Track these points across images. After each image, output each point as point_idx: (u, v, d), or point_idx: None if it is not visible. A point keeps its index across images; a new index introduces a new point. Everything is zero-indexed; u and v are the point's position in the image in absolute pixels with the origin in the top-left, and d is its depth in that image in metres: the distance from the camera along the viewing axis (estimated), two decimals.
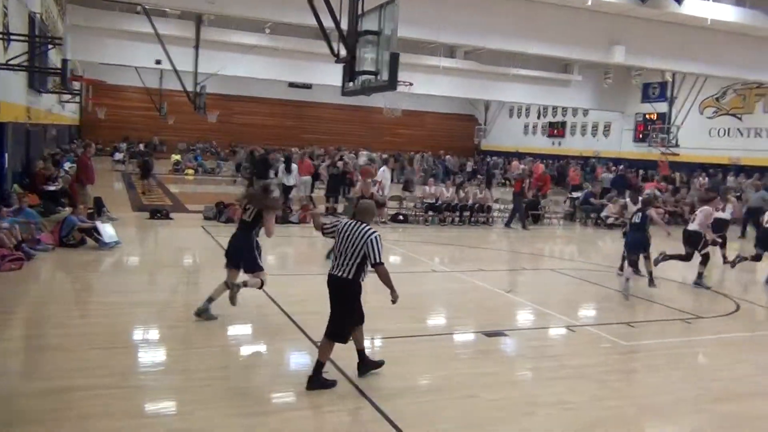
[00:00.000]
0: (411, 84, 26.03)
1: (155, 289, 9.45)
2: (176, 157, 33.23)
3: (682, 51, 20.17)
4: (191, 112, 26.17)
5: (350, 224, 5.76)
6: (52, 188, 15.70)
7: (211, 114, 30.23)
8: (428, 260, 12.74)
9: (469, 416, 5.37)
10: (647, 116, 36.48)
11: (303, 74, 29.72)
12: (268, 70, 28.96)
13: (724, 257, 13.61)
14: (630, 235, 10.68)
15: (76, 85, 23.33)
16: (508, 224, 18.42)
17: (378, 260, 5.54)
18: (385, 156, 25.76)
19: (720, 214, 13.37)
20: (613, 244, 17.11)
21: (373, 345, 6.99)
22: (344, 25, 8.81)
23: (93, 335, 6.83)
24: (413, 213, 18.58)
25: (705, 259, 11.44)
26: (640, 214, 10.44)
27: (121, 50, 25.97)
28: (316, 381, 5.68)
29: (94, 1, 23.86)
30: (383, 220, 17.21)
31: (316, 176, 21.22)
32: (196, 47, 24.12)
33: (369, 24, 8.74)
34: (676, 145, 33.47)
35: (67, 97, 23.40)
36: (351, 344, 5.96)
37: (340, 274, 5.67)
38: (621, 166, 30.76)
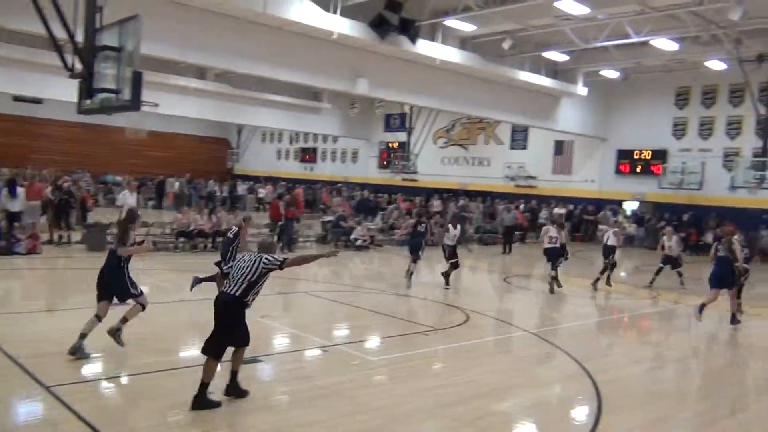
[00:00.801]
0: (157, 104, 24.78)
1: None
2: None
3: (417, 86, 22.16)
4: None
5: (248, 256, 6.42)
6: None
7: None
8: (179, 289, 12.19)
9: None
10: (390, 144, 39.40)
11: (31, 87, 26.61)
12: None
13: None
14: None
15: None
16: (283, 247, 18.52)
17: (280, 264, 6.31)
18: (128, 179, 24.15)
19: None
20: (362, 264, 18.09)
21: (119, 382, 6.45)
22: (80, 38, 8.13)
23: None
24: (162, 240, 17.66)
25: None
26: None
27: None
28: (201, 401, 5.94)
29: None
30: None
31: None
32: None
33: (109, 39, 8.20)
34: (415, 172, 36.61)
35: None
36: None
37: (231, 291, 6.17)
38: (364, 191, 32.70)
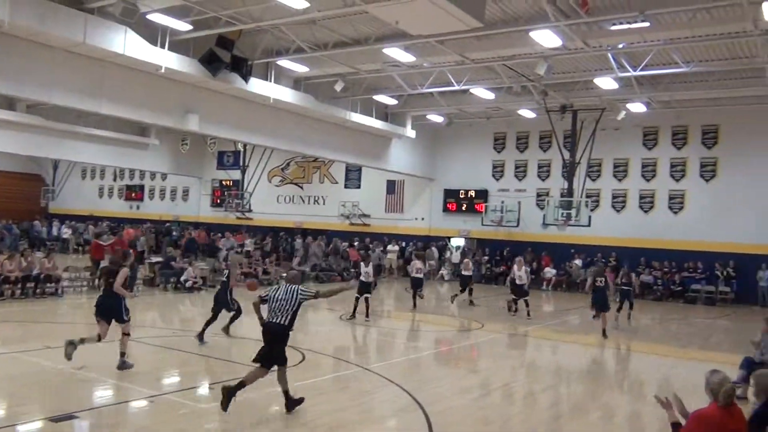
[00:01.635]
0: None
1: None
2: None
3: (250, 124, 22.01)
4: None
5: (283, 287, 7.81)
6: None
7: None
8: None
9: None
10: (223, 182, 38.52)
11: None
12: None
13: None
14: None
15: None
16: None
17: (315, 295, 7.88)
18: None
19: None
20: (193, 307, 17.34)
21: None
22: None
23: None
24: None
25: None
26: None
27: None
28: (292, 400, 7.65)
29: None
30: None
31: None
32: None
33: None
34: (250, 210, 36.05)
35: None
36: None
37: (277, 320, 7.55)
38: (196, 231, 31.56)
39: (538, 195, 28.47)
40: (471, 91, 23.15)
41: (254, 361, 7.59)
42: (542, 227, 25.94)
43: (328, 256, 28.00)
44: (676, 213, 25.69)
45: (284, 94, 21.39)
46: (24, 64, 15.38)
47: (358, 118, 24.66)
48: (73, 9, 15.17)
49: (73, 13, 15.10)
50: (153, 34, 17.01)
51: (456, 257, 29.04)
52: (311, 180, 36.04)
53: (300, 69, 20.83)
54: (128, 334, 9.52)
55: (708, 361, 13.43)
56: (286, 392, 7.70)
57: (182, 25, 16.90)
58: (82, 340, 9.29)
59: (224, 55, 18.34)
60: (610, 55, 18.20)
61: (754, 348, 10.43)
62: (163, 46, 17.22)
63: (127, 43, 16.17)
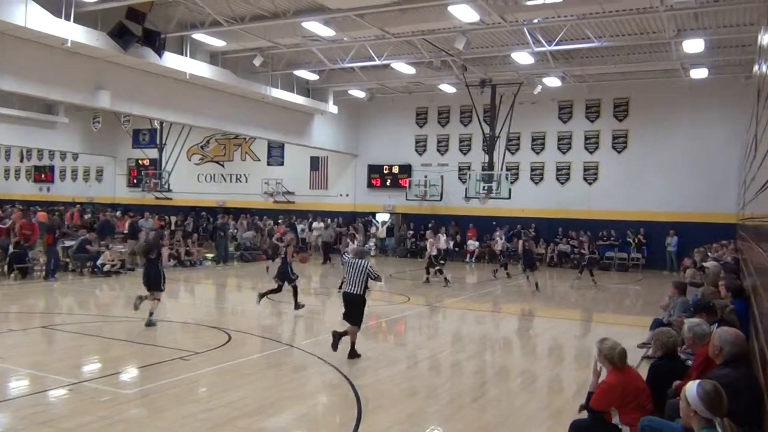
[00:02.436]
0: None
1: None
2: None
3: (166, 101, 21.28)
4: None
5: (352, 262, 9.70)
6: None
7: None
8: None
9: None
10: (140, 162, 37.20)
11: None
12: None
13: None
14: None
15: None
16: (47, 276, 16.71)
17: (377, 276, 9.87)
18: None
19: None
20: (111, 291, 16.77)
21: None
22: None
23: None
24: None
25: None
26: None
27: None
28: (354, 353, 9.59)
29: None
30: None
31: None
32: None
33: None
34: (169, 190, 35.01)
35: None
36: None
37: (352, 290, 9.61)
38: (116, 212, 30.39)
39: (460, 169, 28.97)
40: (392, 65, 23.19)
41: (344, 318, 9.83)
42: (465, 201, 26.49)
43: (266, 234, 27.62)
44: (590, 184, 26.76)
45: (201, 69, 20.77)
46: None
47: (278, 93, 24.27)
48: None
49: None
50: (57, 5, 16.06)
51: (382, 233, 29.27)
52: (232, 158, 35.32)
53: (217, 43, 20.25)
54: (158, 300, 11.84)
55: (621, 325, 14.22)
56: (353, 343, 9.70)
57: None
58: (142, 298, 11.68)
59: (135, 29, 17.59)
60: (526, 30, 18.60)
61: (663, 310, 11.11)
62: (68, 19, 16.30)
63: (28, 15, 15.21)
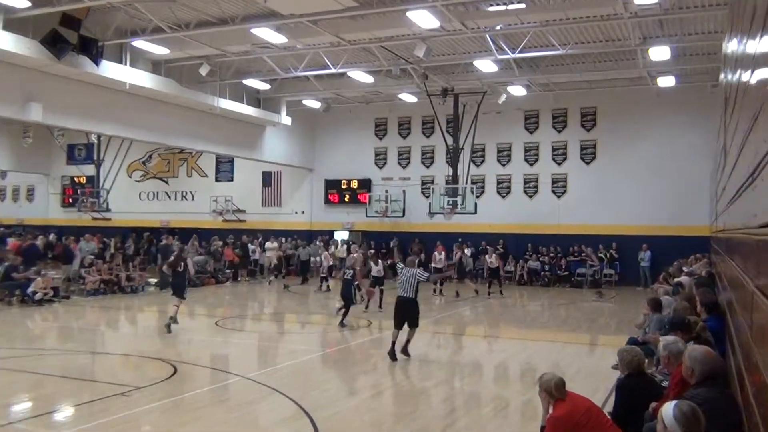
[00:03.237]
0: None
1: None
2: None
3: (104, 113, 20.90)
4: None
5: (406, 270, 11.78)
6: None
7: None
8: None
9: None
10: (75, 179, 36.40)
11: None
12: None
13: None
14: None
15: None
16: None
17: (427, 278, 12.21)
18: None
19: None
20: (44, 322, 16.29)
21: None
22: None
23: None
24: None
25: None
26: None
27: None
28: (393, 353, 11.49)
29: None
30: None
31: None
32: None
33: None
34: (108, 209, 34.29)
35: None
36: None
37: (406, 295, 11.62)
38: (49, 234, 29.57)
39: (423, 183, 29.16)
40: (348, 74, 23.28)
41: (395, 323, 11.73)
42: (428, 216, 26.62)
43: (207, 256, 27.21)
44: (559, 197, 27.21)
45: (142, 78, 20.52)
46: None
47: (227, 104, 24.12)
48: None
49: None
50: None
51: (342, 251, 29.18)
52: (177, 174, 34.87)
53: (159, 51, 20.03)
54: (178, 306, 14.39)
55: (595, 345, 14.41)
56: (407, 341, 11.71)
57: (19, 2, 15.75)
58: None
59: (70, 36, 17.30)
60: (488, 36, 18.92)
61: (637, 329, 11.31)
62: None
63: None
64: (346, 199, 30.57)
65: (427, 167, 29.50)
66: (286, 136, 29.19)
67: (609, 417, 5.56)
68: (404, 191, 29.29)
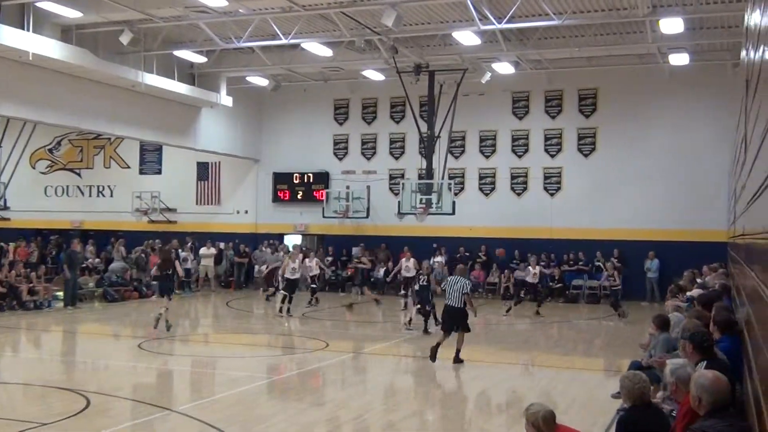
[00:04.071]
0: None
1: None
2: None
3: (1, 89, 20.55)
4: None
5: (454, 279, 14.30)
6: None
7: None
8: None
9: None
10: None
11: None
12: None
13: None
14: None
15: None
16: None
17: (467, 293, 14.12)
18: None
19: None
20: None
21: None
22: None
23: None
24: None
25: None
26: None
27: None
28: (458, 359, 13.86)
29: None
30: None
31: None
32: None
33: None
34: (6, 207, 33.72)
35: None
36: None
37: (454, 304, 13.87)
38: None
39: (392, 177, 29.24)
40: (303, 46, 23.23)
41: (441, 328, 14.34)
42: (398, 218, 26.67)
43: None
44: (552, 195, 27.53)
45: (48, 47, 20.20)
46: None
47: (153, 80, 23.87)
48: None
49: None
50: None
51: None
52: (92, 164, 34.40)
53: (70, 14, 19.76)
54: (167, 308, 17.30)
55: (592, 371, 14.61)
56: (458, 350, 13.84)
57: None
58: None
59: None
60: (469, 2, 19.01)
61: (642, 351, 11.50)
62: None
63: None
64: (299, 197, 30.49)
65: (397, 159, 29.59)
66: (226, 119, 29.01)
67: None
68: (368, 187, 29.33)
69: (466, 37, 21.61)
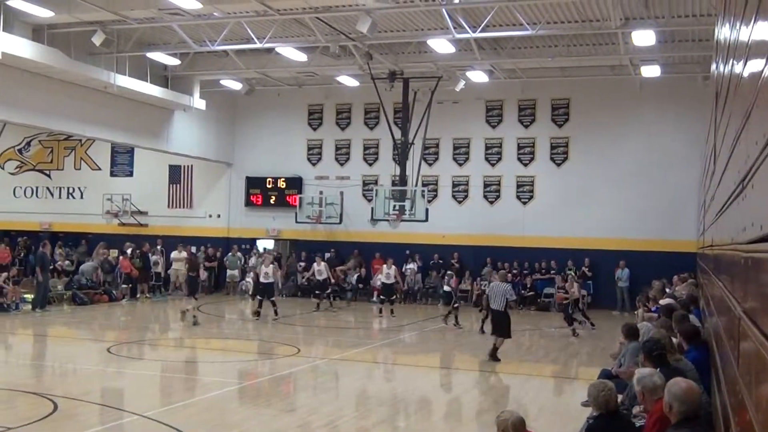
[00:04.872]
0: None
1: None
2: None
3: None
4: None
5: (496, 284, 15.92)
6: None
7: None
8: None
9: None
10: None
11: None
12: None
13: None
14: None
15: None
16: None
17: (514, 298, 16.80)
18: None
19: None
20: None
21: None
22: None
23: None
24: None
25: None
26: None
27: None
28: (494, 356, 15.03)
29: None
30: None
31: None
32: None
33: None
34: None
35: None
36: None
37: (497, 308, 15.26)
38: None
39: (365, 183, 29.28)
40: (277, 50, 23.23)
41: (492, 334, 15.57)
42: (371, 224, 26.69)
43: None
44: (525, 203, 27.72)
45: (19, 46, 19.99)
46: None
47: (126, 82, 23.71)
48: None
49: None
50: None
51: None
52: (63, 165, 34.05)
53: (42, 13, 19.60)
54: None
55: (563, 378, 14.71)
56: (496, 348, 15.01)
57: None
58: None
59: None
60: (444, 11, 19.15)
61: (612, 359, 11.61)
62: None
63: None
64: (272, 201, 30.43)
65: (370, 165, 29.63)
66: (199, 123, 28.87)
67: None
68: (342, 193, 29.34)
69: (441, 45, 21.73)
